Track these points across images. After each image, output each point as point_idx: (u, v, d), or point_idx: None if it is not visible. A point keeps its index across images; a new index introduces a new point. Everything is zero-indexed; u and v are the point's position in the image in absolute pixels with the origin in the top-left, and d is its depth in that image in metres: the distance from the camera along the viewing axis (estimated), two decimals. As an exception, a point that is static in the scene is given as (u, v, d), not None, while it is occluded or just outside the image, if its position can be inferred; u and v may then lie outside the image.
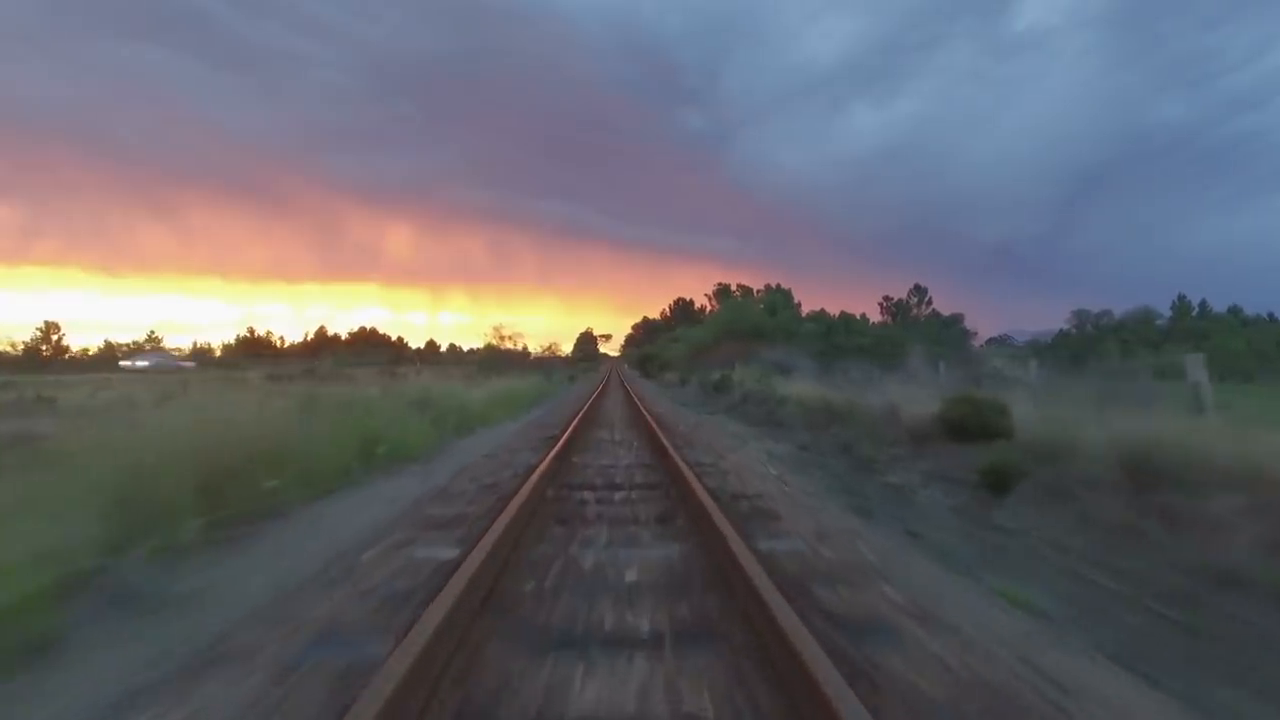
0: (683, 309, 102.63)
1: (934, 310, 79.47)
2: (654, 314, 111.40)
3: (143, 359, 64.41)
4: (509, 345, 34.57)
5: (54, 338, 65.90)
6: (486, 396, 18.03)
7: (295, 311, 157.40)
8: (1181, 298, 77.40)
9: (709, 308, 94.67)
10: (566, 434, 8.50)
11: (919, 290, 79.76)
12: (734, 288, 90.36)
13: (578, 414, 12.38)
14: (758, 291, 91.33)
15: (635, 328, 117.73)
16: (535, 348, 54.10)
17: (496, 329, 34.47)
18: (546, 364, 37.81)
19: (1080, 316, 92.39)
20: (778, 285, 30.81)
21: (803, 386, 14.31)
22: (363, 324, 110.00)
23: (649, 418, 10.56)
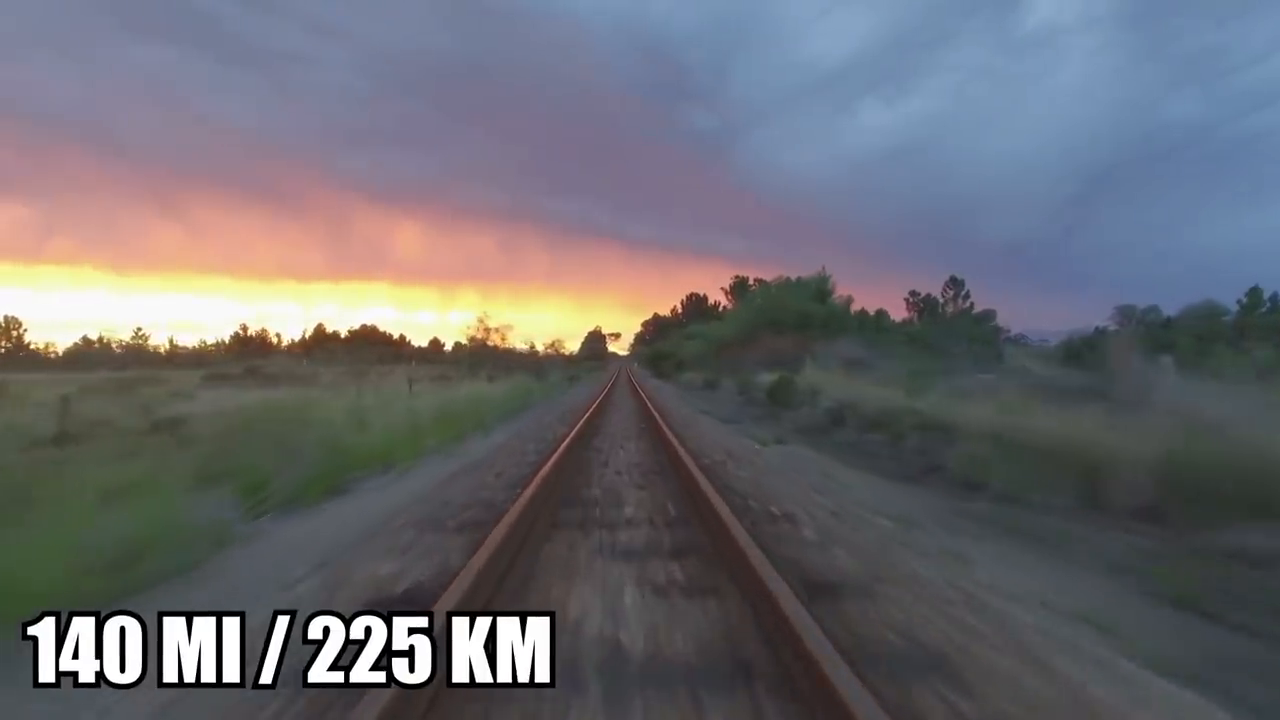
0: (696, 304, 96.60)
1: (970, 304, 72.98)
2: (664, 313, 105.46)
3: None
4: (498, 341, 28.62)
5: (14, 333, 61.07)
6: (442, 407, 12.25)
7: (306, 310, 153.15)
8: (1255, 290, 70.03)
9: (723, 303, 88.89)
10: (496, 538, 2.58)
11: (955, 283, 73.00)
12: (751, 281, 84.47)
13: (559, 446, 6.38)
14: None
15: (645, 324, 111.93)
16: (539, 345, 48.36)
17: (481, 320, 28.47)
18: (542, 362, 31.72)
19: (1125, 313, 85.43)
20: (822, 269, 24.94)
21: (970, 405, 8.13)
22: (364, 322, 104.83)
23: (697, 472, 4.54)
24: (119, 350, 67.13)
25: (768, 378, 17.90)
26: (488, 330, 28.47)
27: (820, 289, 24.09)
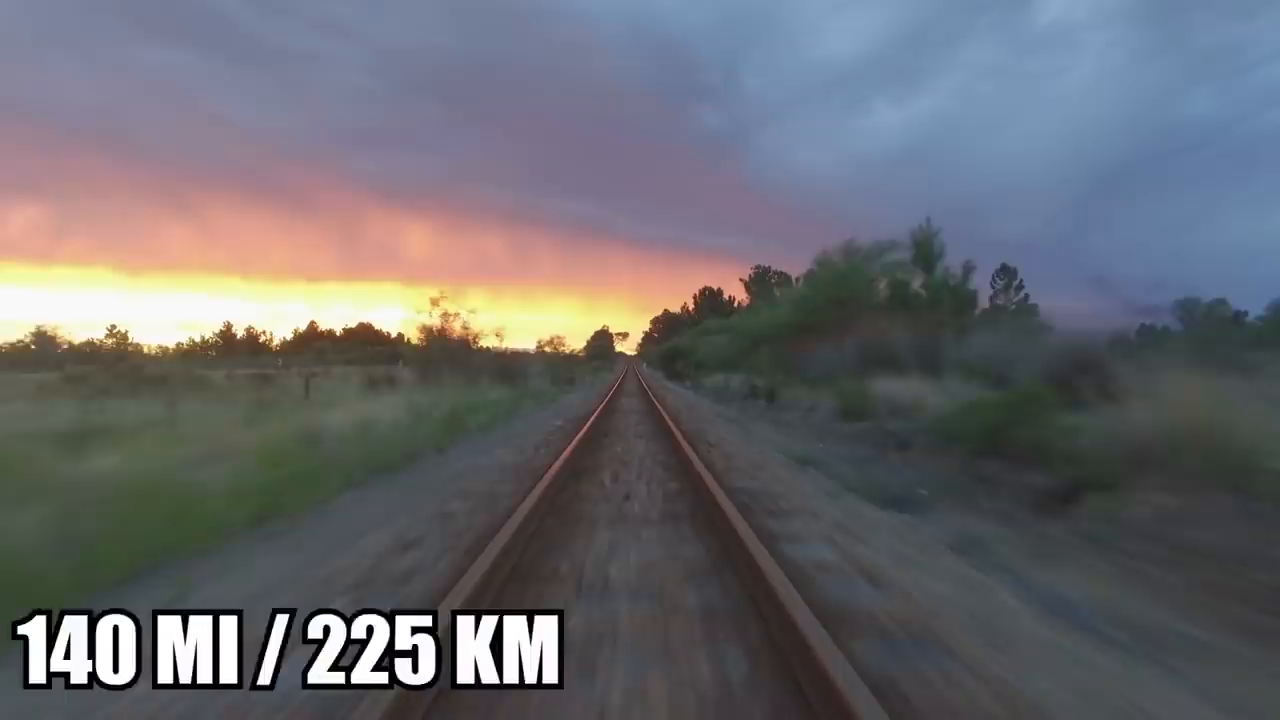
0: (710, 299, 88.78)
1: (1025, 295, 64.48)
2: (674, 310, 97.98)
3: None
4: (461, 333, 20.90)
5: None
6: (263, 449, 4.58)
7: (315, 310, 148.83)
8: (1366, 277, 61.03)
9: (740, 298, 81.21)
10: None
11: (1006, 271, 64.57)
12: (772, 271, 76.75)
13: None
14: (796, 279, 77.56)
15: (654, 322, 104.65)
16: (538, 341, 41.00)
17: (434, 301, 20.68)
18: (521, 362, 23.79)
19: (1187, 307, 76.82)
20: (926, 221, 16.62)
21: None
22: (364, 320, 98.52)
23: None
24: (67, 349, 59.92)
25: (895, 388, 10.02)
26: (447, 317, 20.72)
27: (924, 252, 16.19)
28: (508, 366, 21.16)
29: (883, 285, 17.29)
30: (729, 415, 13.18)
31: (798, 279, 71.60)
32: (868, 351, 12.87)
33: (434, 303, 20.65)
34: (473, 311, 21.06)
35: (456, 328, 20.82)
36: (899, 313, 15.40)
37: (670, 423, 9.48)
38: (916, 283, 16.74)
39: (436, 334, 20.90)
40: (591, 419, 10.19)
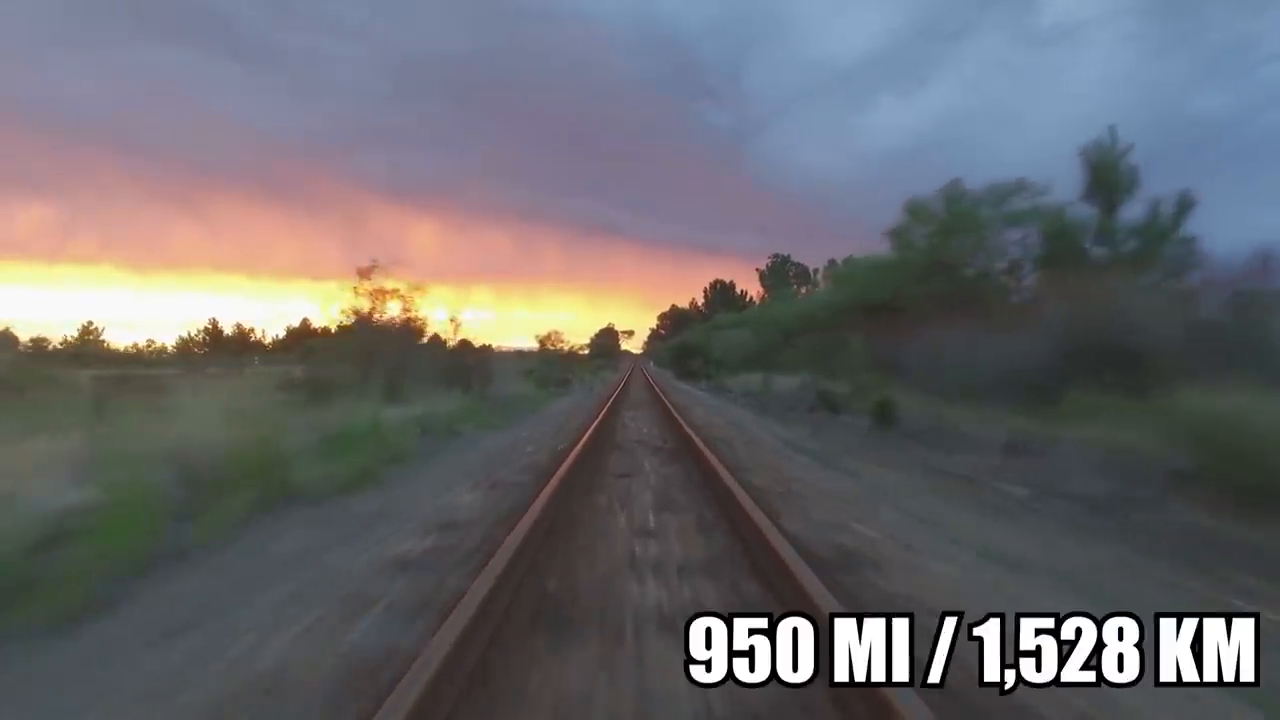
0: (722, 293, 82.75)
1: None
2: (681, 305, 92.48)
3: None
4: (400, 317, 15.06)
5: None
6: None
7: (322, 308, 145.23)
8: None
9: (753, 292, 75.39)
10: None
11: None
12: (791, 261, 70.74)
13: None
14: (815, 270, 71.67)
15: (661, 318, 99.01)
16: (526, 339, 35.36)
17: (364, 273, 14.77)
18: (481, 359, 17.68)
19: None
20: (1110, 132, 11.30)
21: None
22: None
23: None
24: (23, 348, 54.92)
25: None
26: (381, 295, 14.81)
27: (1104, 182, 10.01)
28: (462, 365, 15.17)
29: (1017, 240, 11.37)
30: (812, 449, 7.28)
31: (816, 270, 65.27)
32: (1077, 341, 6.93)
33: (363, 274, 14.73)
34: (417, 289, 15.14)
35: (394, 312, 14.95)
36: (1070, 277, 9.46)
37: (742, 498, 3.60)
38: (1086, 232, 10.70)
39: (365, 319, 15.02)
40: (561, 472, 4.34)
